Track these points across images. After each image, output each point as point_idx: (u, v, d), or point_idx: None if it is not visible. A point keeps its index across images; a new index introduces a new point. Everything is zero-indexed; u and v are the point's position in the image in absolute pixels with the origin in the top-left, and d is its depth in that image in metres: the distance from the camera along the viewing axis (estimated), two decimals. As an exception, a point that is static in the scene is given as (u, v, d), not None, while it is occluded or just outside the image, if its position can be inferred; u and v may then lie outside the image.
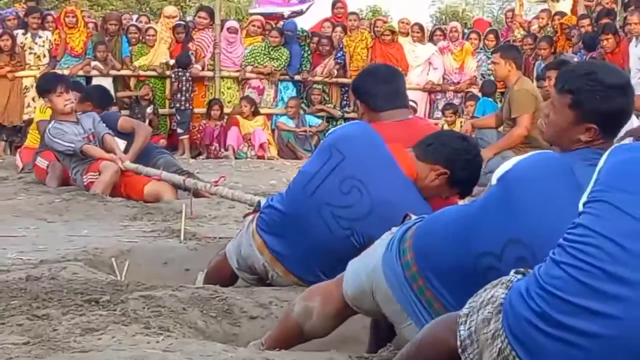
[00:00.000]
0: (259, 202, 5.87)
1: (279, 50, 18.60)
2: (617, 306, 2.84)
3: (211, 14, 19.10)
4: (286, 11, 20.70)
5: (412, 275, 3.85)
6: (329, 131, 5.31)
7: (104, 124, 10.70)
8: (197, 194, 8.94)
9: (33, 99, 16.58)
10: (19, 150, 14.64)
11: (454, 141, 5.04)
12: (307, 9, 21.24)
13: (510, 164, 3.69)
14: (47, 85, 10.77)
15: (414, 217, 4.17)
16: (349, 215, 5.05)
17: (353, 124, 5.30)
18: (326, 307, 4.23)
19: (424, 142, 5.03)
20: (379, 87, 5.70)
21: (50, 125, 10.52)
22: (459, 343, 3.18)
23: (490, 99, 16.58)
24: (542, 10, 19.31)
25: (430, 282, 3.80)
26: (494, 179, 3.73)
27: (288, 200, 5.35)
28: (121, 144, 10.60)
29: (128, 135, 10.81)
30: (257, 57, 18.60)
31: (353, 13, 20.23)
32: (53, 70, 15.49)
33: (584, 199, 3.05)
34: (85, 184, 10.18)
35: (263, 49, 18.62)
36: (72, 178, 10.55)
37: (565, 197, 3.13)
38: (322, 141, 5.26)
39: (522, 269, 3.18)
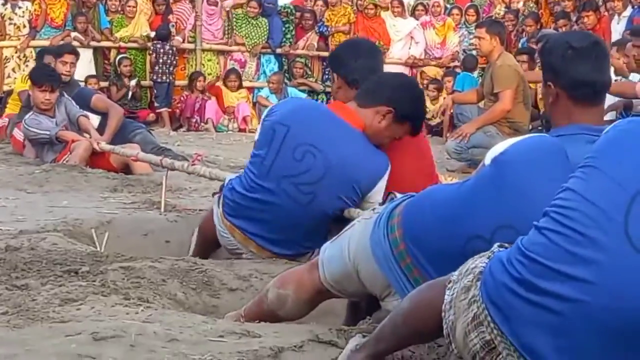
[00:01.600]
0: (223, 183, 5.87)
1: (258, 19, 18.73)
2: (592, 271, 2.86)
3: None
4: None
5: (400, 252, 3.90)
6: (265, 111, 5.30)
7: (76, 104, 10.88)
8: (173, 169, 8.95)
9: (13, 70, 16.60)
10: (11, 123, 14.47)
11: (391, 79, 5.18)
12: None
13: (504, 146, 3.67)
14: (36, 78, 10.91)
15: (399, 195, 4.19)
16: (309, 180, 5.15)
17: (288, 100, 5.32)
18: (300, 294, 4.29)
19: (363, 89, 5.15)
20: (360, 61, 5.68)
21: (27, 115, 10.69)
22: (442, 307, 3.21)
23: (470, 74, 16.61)
24: (525, -14, 19.36)
25: (418, 260, 3.85)
26: (487, 160, 3.71)
27: (247, 184, 5.41)
28: (95, 118, 10.78)
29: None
30: (237, 26, 18.66)
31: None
32: (51, 48, 15.44)
33: None
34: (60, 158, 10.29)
35: (243, 18, 18.70)
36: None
37: (559, 181, 3.12)
38: (262, 121, 5.26)
39: (505, 243, 3.20)
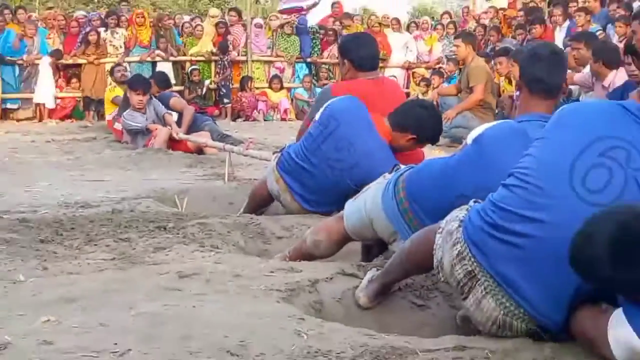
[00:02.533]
0: (284, 145, 5.89)
1: (292, 37, 18.74)
2: (545, 214, 2.89)
3: (239, 12, 19.55)
4: (304, 5, 20.86)
5: (404, 209, 3.97)
6: (327, 103, 5.33)
7: (162, 105, 10.91)
8: (233, 152, 8.99)
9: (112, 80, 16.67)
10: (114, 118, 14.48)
11: (415, 111, 5.13)
12: (320, 1, 21.26)
13: (482, 129, 3.76)
14: (132, 84, 10.93)
15: (402, 166, 4.24)
16: (341, 167, 5.20)
17: (345, 100, 5.31)
18: (330, 239, 4.33)
19: (395, 116, 5.13)
20: (362, 50, 5.78)
21: (126, 112, 10.69)
22: (434, 247, 3.22)
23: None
24: (490, 7, 19.25)
25: (417, 213, 3.93)
26: (469, 139, 3.79)
27: (300, 152, 5.42)
28: (174, 115, 10.82)
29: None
30: (277, 42, 18.76)
31: (347, 14, 20.19)
32: (150, 61, 15.63)
33: None
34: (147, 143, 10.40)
35: (281, 35, 18.75)
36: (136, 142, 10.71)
37: (521, 154, 3.14)
38: (322, 110, 5.27)
39: (480, 200, 3.21)
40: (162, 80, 12.21)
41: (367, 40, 6.00)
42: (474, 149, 3.74)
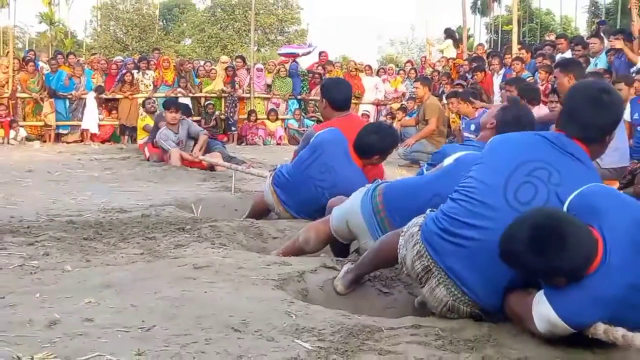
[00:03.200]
0: (276, 165, 5.84)
1: (286, 79, 18.76)
2: (485, 221, 2.93)
3: (243, 59, 19.55)
4: (300, 52, 21.06)
5: (378, 210, 3.99)
6: (316, 133, 5.31)
7: (196, 126, 11.01)
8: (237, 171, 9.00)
9: (143, 111, 16.74)
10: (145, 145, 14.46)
11: (371, 140, 5.07)
12: (313, 50, 21.57)
13: (460, 154, 3.87)
14: (167, 104, 10.92)
15: (380, 180, 4.26)
16: (324, 185, 5.15)
17: (329, 132, 5.30)
18: (318, 237, 4.30)
19: (360, 146, 5.10)
20: (338, 94, 5.69)
21: (162, 129, 10.60)
22: (398, 247, 3.24)
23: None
24: (442, 57, 19.34)
25: (390, 214, 3.94)
26: (449, 160, 3.88)
27: (291, 171, 5.41)
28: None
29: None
30: (274, 83, 18.77)
31: (330, 62, 20.24)
32: (174, 96, 15.57)
33: None
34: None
35: (277, 78, 18.76)
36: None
37: None
38: (313, 139, 5.27)
39: (434, 209, 3.22)
40: (185, 110, 12.19)
41: (343, 86, 5.88)
42: (454, 165, 3.80)
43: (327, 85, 5.94)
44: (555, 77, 7.76)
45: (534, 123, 4.05)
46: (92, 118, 16.79)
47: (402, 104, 17.56)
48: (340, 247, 4.37)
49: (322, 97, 5.79)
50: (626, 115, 8.17)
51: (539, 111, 9.68)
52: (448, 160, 3.88)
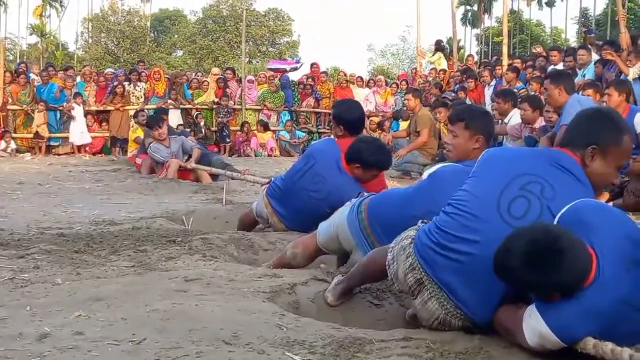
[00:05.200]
0: (271, 178, 5.87)
1: (278, 93, 18.88)
2: (478, 235, 2.92)
3: (234, 71, 19.85)
4: (287, 67, 21.23)
5: (364, 226, 3.98)
6: (311, 143, 5.32)
7: (190, 142, 10.98)
8: (233, 178, 8.97)
9: (134, 123, 16.78)
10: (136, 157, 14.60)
11: (356, 145, 5.04)
12: (300, 67, 22.00)
13: (436, 168, 3.83)
14: (149, 124, 10.97)
15: (365, 193, 4.25)
16: (317, 196, 5.14)
17: (323, 142, 5.31)
18: (305, 252, 4.31)
19: (348, 153, 5.05)
20: (349, 116, 5.51)
21: (153, 143, 10.59)
22: (387, 262, 3.24)
23: (397, 121, 16.80)
24: (432, 68, 19.43)
25: (375, 230, 3.93)
26: (425, 175, 3.87)
27: (285, 182, 5.41)
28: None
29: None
30: (266, 97, 18.81)
31: (323, 72, 20.34)
32: (160, 108, 15.53)
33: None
34: (159, 174, 10.33)
35: (268, 92, 18.87)
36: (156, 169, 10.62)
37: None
38: (306, 149, 5.29)
39: (425, 220, 3.23)
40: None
41: (354, 107, 5.72)
42: (429, 181, 3.79)
43: (339, 110, 5.77)
44: (545, 88, 7.80)
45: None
46: (80, 129, 16.79)
47: (391, 117, 17.66)
48: (343, 257, 4.36)
49: (334, 120, 5.65)
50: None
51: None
52: (425, 174, 3.89)
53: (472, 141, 3.90)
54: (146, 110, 16.01)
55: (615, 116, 3.09)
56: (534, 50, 17.87)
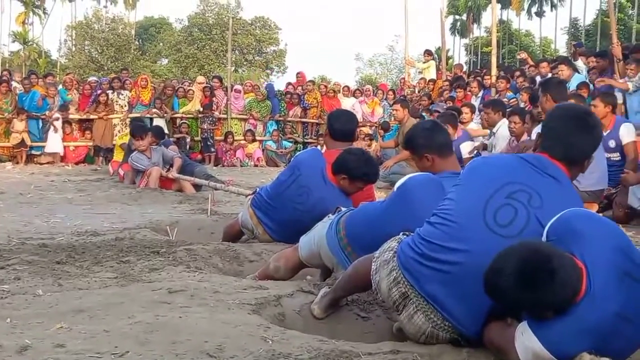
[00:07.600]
0: (256, 188, 5.87)
1: (264, 102, 18.90)
2: (464, 245, 2.91)
3: (220, 79, 19.85)
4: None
5: (344, 244, 4.01)
6: (295, 154, 5.33)
7: (171, 152, 11.04)
8: (216, 189, 8.97)
9: (118, 132, 16.72)
10: (110, 162, 14.79)
11: (343, 157, 5.04)
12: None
13: (404, 179, 3.77)
14: (133, 133, 11.00)
15: (343, 209, 4.28)
16: (302, 208, 5.14)
17: (308, 152, 5.33)
18: (287, 265, 4.35)
19: (332, 164, 5.07)
20: (338, 124, 5.57)
21: (134, 153, 10.63)
22: (371, 272, 3.24)
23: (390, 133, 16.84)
24: (421, 78, 19.48)
25: (354, 248, 3.94)
26: (395, 187, 3.81)
27: (270, 194, 5.42)
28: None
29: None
30: (252, 106, 18.81)
31: (310, 81, 20.39)
32: (140, 122, 15.30)
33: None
34: (140, 184, 10.36)
35: (255, 101, 18.92)
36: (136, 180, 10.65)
37: (436, 200, 3.18)
38: (291, 160, 5.29)
39: (407, 232, 3.23)
40: (159, 133, 12.19)
41: (344, 116, 5.76)
42: (397, 195, 3.76)
43: (330, 115, 5.86)
44: (539, 96, 7.88)
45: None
46: (57, 139, 16.76)
47: (378, 127, 17.70)
48: (326, 269, 4.36)
49: (329, 130, 5.66)
50: (632, 136, 8.20)
51: (530, 140, 9.73)
52: (395, 186, 3.84)
53: (424, 160, 4.08)
54: (129, 120, 16.08)
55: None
56: (517, 57, 18.01)
